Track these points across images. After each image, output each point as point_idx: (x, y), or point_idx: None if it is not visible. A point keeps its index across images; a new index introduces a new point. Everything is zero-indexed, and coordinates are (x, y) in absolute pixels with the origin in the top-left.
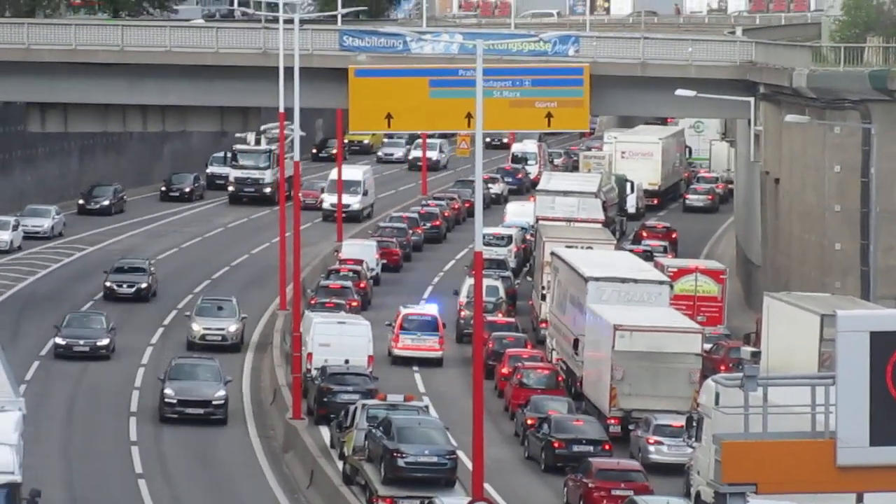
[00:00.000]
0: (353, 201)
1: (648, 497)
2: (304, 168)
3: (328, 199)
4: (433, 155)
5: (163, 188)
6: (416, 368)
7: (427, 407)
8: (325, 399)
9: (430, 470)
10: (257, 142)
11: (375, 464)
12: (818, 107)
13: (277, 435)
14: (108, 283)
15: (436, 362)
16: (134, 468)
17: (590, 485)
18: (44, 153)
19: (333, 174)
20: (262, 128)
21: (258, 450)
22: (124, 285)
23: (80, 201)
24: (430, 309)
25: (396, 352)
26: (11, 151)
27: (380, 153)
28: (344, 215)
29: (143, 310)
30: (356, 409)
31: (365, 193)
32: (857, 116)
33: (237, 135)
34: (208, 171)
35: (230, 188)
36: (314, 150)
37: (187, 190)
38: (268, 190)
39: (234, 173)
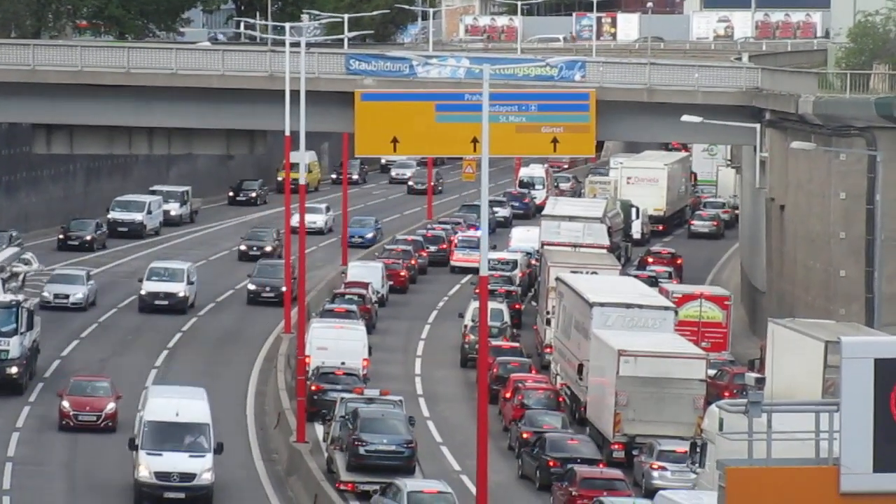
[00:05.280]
0: None
1: (615, 498)
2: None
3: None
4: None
5: (60, 235)
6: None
7: (401, 401)
8: (316, 397)
9: (389, 458)
10: None
11: (344, 452)
12: (824, 134)
13: (281, 458)
14: None
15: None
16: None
17: (574, 493)
18: (49, 175)
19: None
20: None
21: (262, 473)
22: None
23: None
24: (478, 234)
25: (454, 263)
26: (17, 173)
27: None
28: None
29: None
30: (337, 402)
31: None
32: (862, 143)
33: None
34: (110, 216)
35: None
36: (230, 193)
37: (88, 238)
38: (13, 370)
39: None
